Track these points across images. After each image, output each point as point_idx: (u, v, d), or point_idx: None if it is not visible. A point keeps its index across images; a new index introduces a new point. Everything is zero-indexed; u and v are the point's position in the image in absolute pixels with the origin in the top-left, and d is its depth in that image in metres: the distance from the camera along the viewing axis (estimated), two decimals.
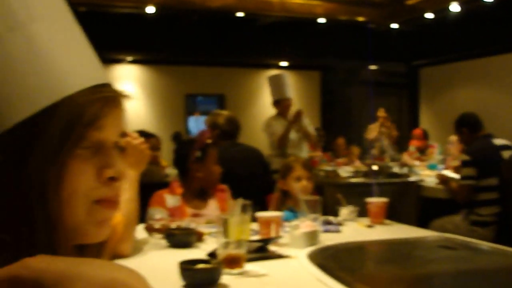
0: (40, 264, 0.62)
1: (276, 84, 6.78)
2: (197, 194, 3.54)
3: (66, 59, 0.78)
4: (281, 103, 6.64)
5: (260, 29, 10.15)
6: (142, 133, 5.70)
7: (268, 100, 11.97)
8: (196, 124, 11.69)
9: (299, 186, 3.47)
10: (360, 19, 9.89)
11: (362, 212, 3.58)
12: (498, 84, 9.77)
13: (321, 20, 9.63)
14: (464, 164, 5.26)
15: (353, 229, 3.31)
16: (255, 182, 4.64)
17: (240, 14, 9.13)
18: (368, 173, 6.16)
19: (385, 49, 11.02)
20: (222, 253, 2.22)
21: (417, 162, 7.49)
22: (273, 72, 11.95)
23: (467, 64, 10.48)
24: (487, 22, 9.11)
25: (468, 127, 5.46)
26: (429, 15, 9.27)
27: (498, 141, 5.30)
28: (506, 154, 5.02)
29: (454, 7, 8.63)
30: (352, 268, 2.54)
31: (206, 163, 3.55)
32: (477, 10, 8.81)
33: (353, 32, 10.54)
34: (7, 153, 0.72)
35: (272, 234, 2.79)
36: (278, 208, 3.41)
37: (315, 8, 9.43)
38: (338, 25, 9.93)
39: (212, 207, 3.52)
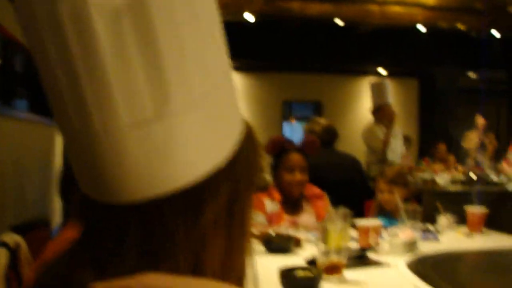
0: (154, 281, 0.65)
1: (378, 91, 6.77)
2: (293, 201, 3.57)
3: None
4: (381, 110, 6.63)
5: (359, 37, 10.13)
6: None
7: (365, 107, 12.00)
8: (291, 130, 11.77)
9: (395, 195, 3.47)
10: (460, 26, 9.71)
11: (460, 220, 3.55)
12: None
13: (421, 27, 9.53)
14: None
15: (451, 238, 3.30)
16: (352, 188, 4.65)
17: (339, 21, 9.14)
18: (467, 181, 6.06)
19: (485, 57, 10.78)
20: (322, 261, 2.27)
21: None
22: (371, 79, 11.95)
23: None
24: None
25: None
26: None
27: None
28: None
29: None
30: (452, 278, 2.53)
31: (278, 171, 3.58)
32: None
33: (453, 39, 10.37)
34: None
35: (371, 241, 2.82)
36: (375, 215, 3.43)
37: (415, 16, 9.32)
38: (437, 32, 9.79)
39: (308, 214, 3.55)
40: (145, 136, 0.66)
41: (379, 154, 6.40)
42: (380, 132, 6.47)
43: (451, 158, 8.49)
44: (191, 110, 0.69)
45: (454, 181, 6.29)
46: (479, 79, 12.03)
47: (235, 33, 9.04)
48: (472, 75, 12.03)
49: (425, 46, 10.14)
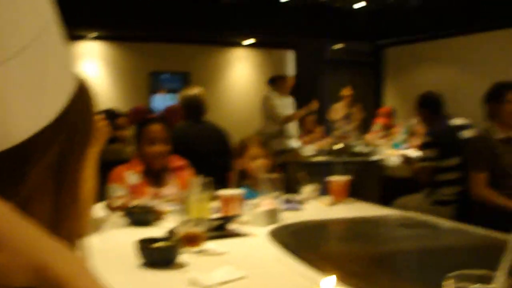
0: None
1: (281, 61, 6.86)
2: (156, 173, 3.48)
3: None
4: (278, 80, 6.68)
5: (225, 6, 10.07)
6: (109, 112, 5.68)
7: (234, 78, 12.02)
8: (163, 102, 11.60)
9: (256, 164, 3.45)
10: None
11: (325, 190, 3.58)
12: (462, 64, 9.85)
13: None
14: (425, 145, 5.29)
15: (314, 208, 3.31)
16: (218, 160, 4.61)
17: None
18: (331, 152, 6.17)
19: (350, 28, 11.03)
20: (180, 231, 2.19)
21: (381, 141, 7.52)
22: (239, 50, 11.93)
23: (431, 44, 10.53)
24: (450, 2, 9.17)
25: (429, 107, 5.47)
26: None
27: (458, 121, 5.34)
28: (466, 133, 5.04)
29: None
30: (313, 246, 2.54)
31: (140, 142, 3.49)
32: None
33: (319, 10, 10.51)
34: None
35: (233, 212, 2.77)
36: (237, 187, 3.39)
37: None
38: (303, 3, 9.88)
39: (172, 186, 3.47)
40: None
41: (280, 124, 6.44)
42: (279, 101, 6.52)
43: (318, 130, 8.63)
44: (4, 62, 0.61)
45: (320, 152, 6.39)
46: (346, 51, 12.30)
47: (98, 1, 8.76)
48: (338, 46, 12.27)
49: (290, 17, 10.22)
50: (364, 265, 2.30)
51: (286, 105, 6.69)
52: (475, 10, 9.10)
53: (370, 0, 9.72)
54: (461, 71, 9.83)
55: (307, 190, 3.53)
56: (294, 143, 6.65)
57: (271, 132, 6.51)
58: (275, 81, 6.75)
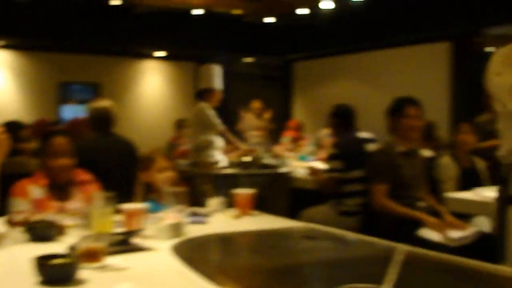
0: None
1: (209, 74, 6.83)
2: (60, 186, 3.43)
3: None
4: (208, 92, 6.69)
5: (136, 18, 9.99)
6: (12, 124, 5.53)
7: (145, 90, 11.91)
8: (72, 113, 11.37)
9: (162, 177, 3.45)
10: (236, 12, 9.93)
11: (232, 203, 3.60)
12: (367, 79, 10.12)
13: (198, 11, 9.61)
14: (332, 157, 5.42)
15: (220, 221, 3.32)
16: (125, 173, 4.57)
17: (115, 1, 8.94)
18: (239, 164, 6.21)
19: (260, 43, 11.14)
20: (80, 247, 2.17)
21: (290, 153, 7.61)
22: (150, 62, 11.86)
23: (338, 59, 10.77)
24: (357, 19, 9.39)
25: (341, 118, 5.60)
26: (303, 11, 9.43)
27: (364, 134, 5.50)
28: (370, 147, 5.19)
29: (327, 4, 8.84)
30: (217, 259, 2.56)
31: (44, 156, 3.43)
32: (348, 7, 9.08)
33: (229, 24, 10.58)
34: None
35: (136, 226, 2.76)
36: (142, 200, 3.37)
37: None
38: (214, 17, 9.93)
39: (77, 200, 3.42)
40: None
41: (219, 133, 6.47)
42: (213, 112, 6.54)
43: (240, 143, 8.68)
44: None
45: (229, 164, 6.41)
46: (256, 65, 12.42)
47: (7, 9, 8.54)
48: (248, 60, 12.37)
49: (202, 30, 10.24)
50: (267, 278, 2.32)
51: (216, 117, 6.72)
52: (381, 28, 9.38)
53: (279, 16, 9.86)
54: (367, 86, 10.09)
55: (213, 203, 3.55)
56: (219, 155, 6.69)
57: (201, 144, 6.52)
58: (203, 94, 6.76)
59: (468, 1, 8.18)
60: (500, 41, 10.62)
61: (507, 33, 9.94)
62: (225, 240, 2.95)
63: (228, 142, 6.78)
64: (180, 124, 9.58)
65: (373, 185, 4.42)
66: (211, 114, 6.53)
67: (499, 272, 2.20)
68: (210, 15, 9.69)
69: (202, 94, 6.75)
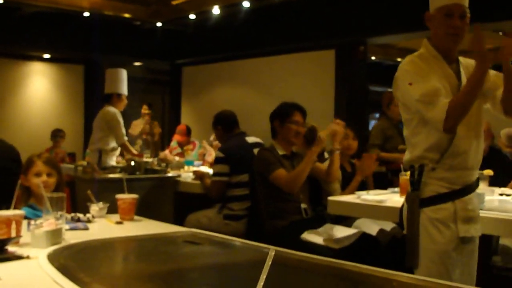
0: None
1: (116, 79, 6.68)
2: None
3: None
4: (119, 98, 6.58)
5: (22, 19, 9.71)
6: None
7: (30, 93, 11.56)
8: None
9: (39, 181, 3.37)
10: (126, 15, 9.84)
11: (115, 208, 3.56)
12: (255, 85, 10.26)
13: (86, 14, 9.46)
14: (218, 161, 5.47)
15: (101, 226, 3.28)
16: (6, 178, 4.43)
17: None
18: (125, 169, 6.15)
19: (149, 47, 11.08)
20: None
21: (177, 158, 7.61)
22: (36, 64, 11.54)
23: (226, 65, 10.87)
24: (245, 26, 9.51)
25: (223, 125, 5.69)
26: (192, 16, 9.46)
27: (251, 139, 5.57)
28: (256, 151, 5.27)
29: (215, 10, 8.91)
30: (94, 267, 2.50)
31: None
32: (235, 14, 9.18)
33: (118, 28, 10.46)
34: None
35: (13, 233, 2.67)
36: (22, 206, 3.29)
37: (80, 1, 9.24)
38: (103, 20, 9.79)
39: None
40: None
41: (119, 143, 6.38)
42: (120, 119, 6.45)
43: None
44: None
45: (115, 169, 6.33)
46: (145, 69, 12.35)
47: None
48: (138, 64, 12.28)
49: (90, 33, 10.08)
50: (147, 284, 2.30)
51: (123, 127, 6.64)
52: (268, 36, 9.55)
53: (168, 20, 9.85)
54: (254, 92, 10.23)
55: (95, 208, 3.50)
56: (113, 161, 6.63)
57: (101, 147, 6.44)
58: (110, 99, 6.65)
59: (353, 12, 8.44)
60: (382, 49, 11.08)
61: (388, 43, 10.40)
62: (106, 246, 2.90)
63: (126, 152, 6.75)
64: (55, 134, 9.45)
65: (271, 176, 4.53)
66: (121, 123, 6.47)
67: (378, 274, 2.26)
68: (99, 18, 9.56)
69: (109, 98, 6.65)
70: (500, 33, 4.41)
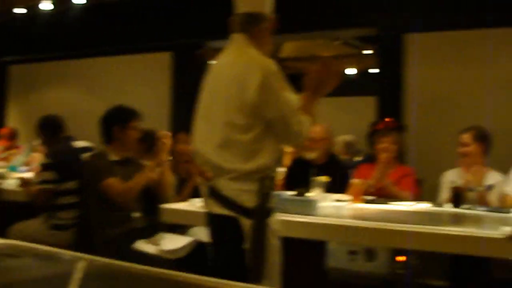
0: None
1: None
2: None
3: None
4: None
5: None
6: None
7: None
8: None
9: None
10: None
11: None
12: (88, 87, 9.93)
13: None
14: (44, 167, 5.22)
15: None
16: None
17: None
18: None
19: None
20: None
21: (1, 163, 7.18)
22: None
23: (58, 64, 10.41)
24: (78, 24, 9.15)
25: (48, 129, 5.50)
26: (21, 10, 8.98)
27: (79, 144, 5.38)
28: (86, 156, 5.05)
29: (46, 6, 8.52)
30: None
31: None
32: (68, 11, 8.84)
33: None
34: None
35: None
36: None
37: None
38: None
39: None
40: None
41: None
42: None
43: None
44: None
45: None
46: None
47: None
48: None
49: None
50: None
51: None
52: (102, 35, 9.35)
53: None
54: (87, 93, 9.96)
55: None
56: None
57: None
58: None
59: (190, 15, 8.37)
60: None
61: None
62: None
63: None
64: None
65: (102, 185, 4.32)
66: None
67: (209, 284, 2.14)
68: None
69: None
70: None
